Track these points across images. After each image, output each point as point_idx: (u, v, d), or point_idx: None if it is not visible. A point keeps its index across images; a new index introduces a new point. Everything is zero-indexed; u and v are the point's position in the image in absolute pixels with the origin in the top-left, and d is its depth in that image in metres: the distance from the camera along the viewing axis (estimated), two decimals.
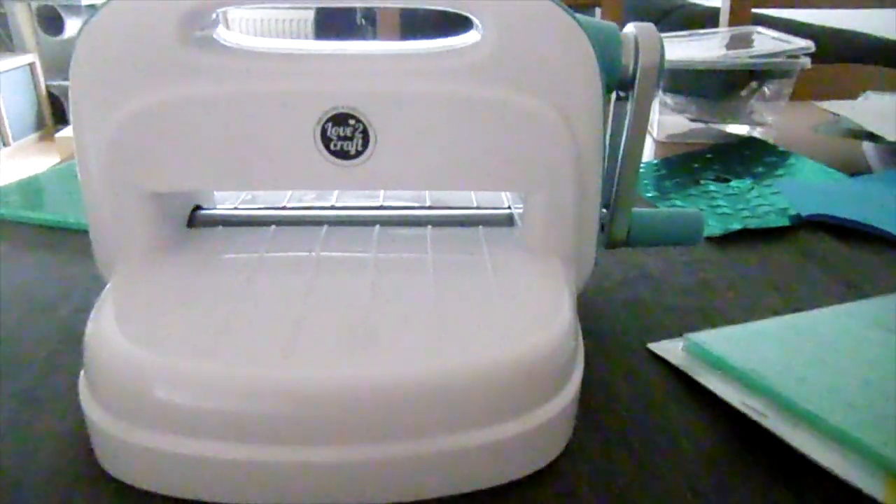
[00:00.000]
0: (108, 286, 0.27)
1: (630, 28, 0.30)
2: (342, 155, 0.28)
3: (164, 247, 0.30)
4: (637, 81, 0.30)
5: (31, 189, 0.52)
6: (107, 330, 0.24)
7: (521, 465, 0.25)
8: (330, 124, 0.27)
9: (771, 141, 0.67)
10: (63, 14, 2.84)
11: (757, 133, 0.69)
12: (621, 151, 0.32)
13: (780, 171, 0.57)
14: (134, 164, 0.28)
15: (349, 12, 2.41)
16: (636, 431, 0.28)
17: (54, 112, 3.09)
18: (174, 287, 0.27)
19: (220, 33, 0.30)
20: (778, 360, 0.29)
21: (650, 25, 0.30)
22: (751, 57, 0.65)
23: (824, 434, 0.25)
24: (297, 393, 0.22)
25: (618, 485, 0.25)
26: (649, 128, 0.72)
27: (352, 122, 0.27)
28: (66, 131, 1.83)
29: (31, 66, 3.01)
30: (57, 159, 2.18)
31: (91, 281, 0.31)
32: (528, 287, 0.28)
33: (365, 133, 0.28)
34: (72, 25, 2.88)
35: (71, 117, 0.28)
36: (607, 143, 0.33)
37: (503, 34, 0.27)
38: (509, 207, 0.34)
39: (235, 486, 0.23)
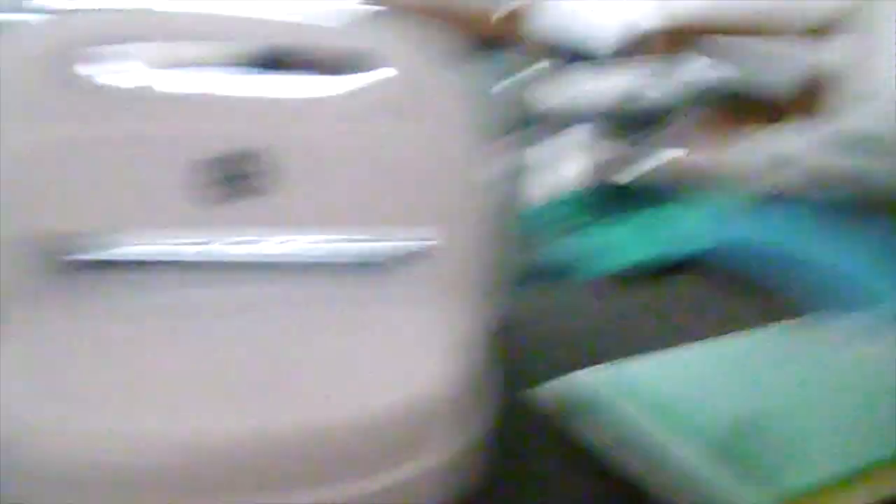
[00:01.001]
0: None
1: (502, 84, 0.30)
2: (234, 197, 0.27)
3: (40, 295, 0.28)
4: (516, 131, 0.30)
5: None
6: None
7: None
8: (212, 167, 0.26)
9: (677, 177, 0.67)
10: None
11: (687, 159, 0.70)
12: (517, 195, 0.32)
13: (695, 201, 0.58)
14: (3, 207, 0.26)
15: None
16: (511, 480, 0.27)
17: None
18: (55, 338, 0.26)
19: (105, 71, 0.28)
20: (664, 394, 0.29)
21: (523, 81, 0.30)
22: (675, 88, 0.66)
23: (711, 460, 0.25)
24: (182, 446, 0.21)
25: None
26: (583, 155, 0.72)
27: (248, 162, 0.26)
28: None
29: None
30: None
31: None
32: (417, 332, 0.27)
33: (261, 174, 0.27)
34: None
35: None
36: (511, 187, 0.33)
37: (404, 76, 0.27)
38: (415, 243, 0.33)
39: None
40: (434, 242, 0.30)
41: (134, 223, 0.27)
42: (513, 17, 0.86)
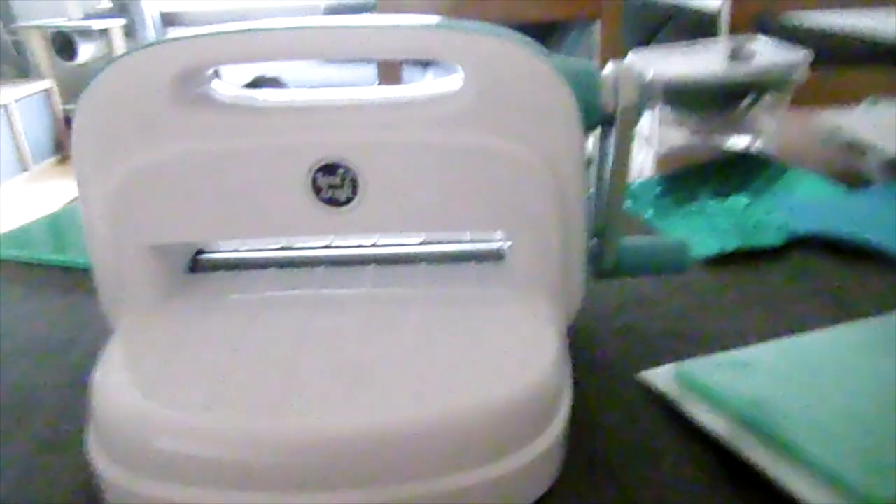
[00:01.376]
0: (113, 336, 0.29)
1: (609, 68, 0.31)
2: (333, 202, 0.29)
3: (166, 294, 0.31)
4: (618, 120, 0.31)
5: (46, 229, 0.53)
6: (111, 382, 0.26)
7: (510, 502, 0.26)
8: (320, 174, 0.29)
9: (771, 153, 0.67)
10: (76, 39, 2.90)
11: (758, 145, 0.69)
12: (607, 185, 0.33)
13: (778, 186, 0.57)
14: (134, 219, 0.29)
15: None
16: (624, 465, 0.28)
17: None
18: (176, 336, 0.29)
19: (216, 87, 0.31)
20: (765, 390, 0.30)
21: (630, 65, 0.31)
22: (747, 71, 0.65)
23: (806, 467, 0.26)
24: (289, 442, 0.23)
25: None
26: (650, 142, 0.72)
27: (340, 171, 0.29)
28: None
29: (48, 91, 3.08)
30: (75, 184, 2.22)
31: (101, 324, 0.32)
32: (515, 325, 0.29)
33: (354, 181, 0.29)
34: (85, 50, 2.94)
35: (74, 175, 0.29)
36: (597, 175, 0.34)
37: (483, 82, 0.28)
38: (500, 240, 0.35)
39: None
40: (516, 241, 0.31)
41: (251, 229, 0.30)
42: None
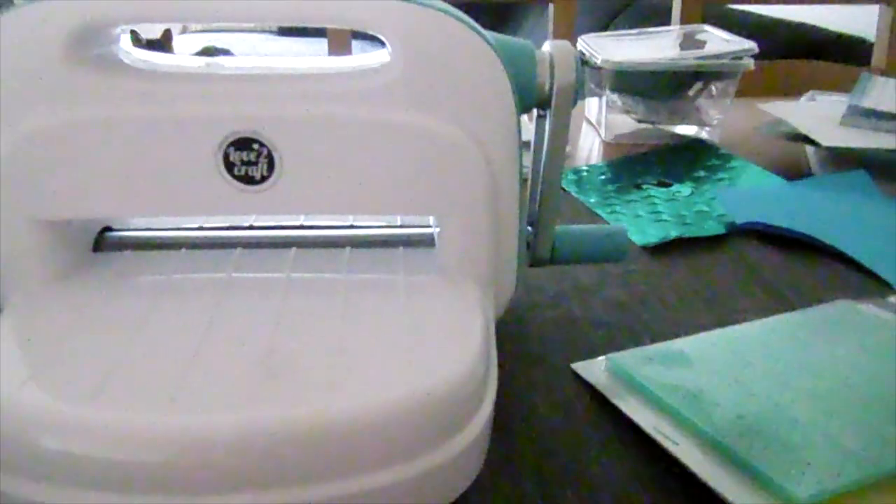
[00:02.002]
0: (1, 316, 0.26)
1: (546, 47, 0.30)
2: (246, 180, 0.27)
3: (63, 273, 0.28)
4: (553, 101, 0.29)
5: None
6: None
7: (429, 500, 0.24)
8: (232, 149, 0.26)
9: (716, 142, 0.67)
10: None
11: (704, 134, 0.69)
12: (542, 170, 0.32)
13: (721, 175, 0.57)
14: (25, 190, 0.26)
15: None
16: (550, 460, 0.27)
17: None
18: (70, 319, 0.26)
19: (124, 49, 0.28)
20: (693, 382, 0.29)
21: (566, 44, 0.30)
22: (696, 59, 0.65)
23: (732, 464, 0.25)
24: (184, 438, 0.21)
25: None
26: (598, 128, 0.72)
27: (255, 146, 0.26)
28: None
29: None
30: None
31: None
32: (440, 315, 0.27)
33: (270, 158, 0.27)
34: None
35: None
36: (533, 159, 0.33)
37: (412, 56, 0.26)
38: (431, 226, 0.33)
39: None
40: (445, 227, 0.30)
41: (156, 206, 0.27)
42: None
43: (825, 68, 0.94)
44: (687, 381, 0.30)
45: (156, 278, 0.29)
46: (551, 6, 0.92)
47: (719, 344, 0.33)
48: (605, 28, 1.87)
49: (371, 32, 0.27)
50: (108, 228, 0.32)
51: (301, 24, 0.26)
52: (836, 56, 1.04)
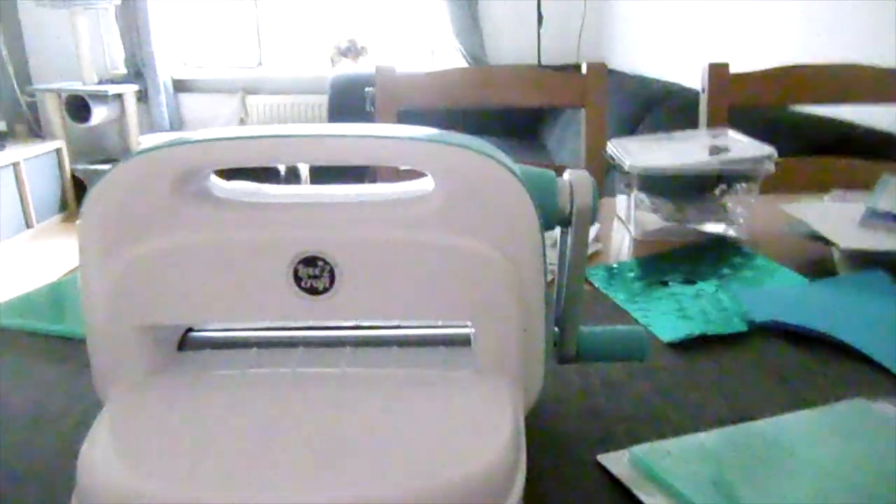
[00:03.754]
0: (103, 411, 0.31)
1: (566, 175, 0.35)
2: (312, 291, 0.32)
3: (156, 370, 0.33)
4: (573, 220, 0.34)
5: (46, 298, 0.56)
6: (96, 455, 0.28)
7: None
8: (301, 265, 0.32)
9: (743, 239, 0.70)
10: (90, 103, 3.00)
11: (731, 232, 0.73)
12: (565, 278, 0.36)
13: (745, 273, 0.61)
14: (130, 302, 0.32)
15: (364, 99, 2.54)
16: None
17: (79, 195, 3.22)
18: (162, 411, 0.31)
19: (214, 183, 0.34)
20: (710, 476, 0.32)
21: (584, 173, 0.34)
22: (718, 164, 0.69)
23: None
24: None
25: None
26: (627, 225, 0.76)
27: (320, 263, 0.32)
28: None
29: (58, 151, 3.16)
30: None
31: (94, 396, 0.34)
32: (474, 408, 0.31)
33: (332, 272, 0.32)
34: (98, 113, 3.05)
35: (79, 262, 0.32)
36: (560, 266, 0.37)
37: (451, 187, 0.32)
38: (468, 326, 0.37)
39: None
40: (479, 330, 0.34)
41: (236, 313, 0.32)
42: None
43: (849, 164, 0.97)
44: (704, 473, 0.32)
45: (232, 373, 0.34)
46: (583, 111, 0.99)
47: (737, 439, 0.36)
48: (637, 124, 1.94)
49: (418, 170, 0.32)
50: (190, 330, 0.37)
51: (362, 164, 0.32)
52: (867, 151, 1.08)
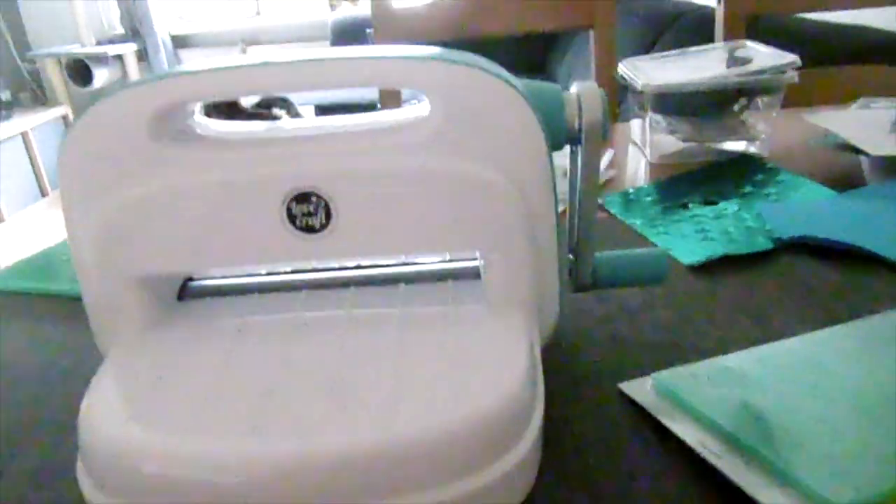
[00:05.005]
0: (101, 366, 0.30)
1: (573, 88, 0.32)
2: (307, 230, 0.30)
3: (155, 322, 0.32)
4: (583, 136, 0.32)
5: (48, 260, 0.55)
6: (97, 410, 0.27)
7: None
8: (294, 203, 0.30)
9: (765, 156, 0.67)
10: (91, 66, 2.96)
11: (752, 149, 0.69)
12: (577, 201, 0.34)
13: (768, 190, 0.58)
14: (119, 251, 0.30)
15: (362, 42, 2.47)
16: (602, 478, 0.29)
17: None
18: (163, 362, 0.30)
19: (197, 121, 0.32)
20: (737, 399, 0.30)
21: (592, 84, 0.32)
22: (737, 76, 0.65)
23: (774, 476, 0.26)
24: (270, 464, 0.24)
25: None
26: (643, 149, 0.73)
27: (313, 199, 0.30)
28: None
29: (64, 117, 3.14)
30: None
31: (100, 353, 0.33)
32: (488, 342, 0.30)
33: (327, 208, 0.30)
34: (100, 76, 3.01)
35: (63, 213, 0.31)
36: (570, 190, 0.35)
37: (449, 108, 0.29)
38: (477, 259, 0.36)
39: None
40: (488, 260, 0.32)
41: (231, 258, 0.31)
42: None
43: (878, 72, 0.92)
44: (732, 396, 0.31)
45: (234, 321, 0.32)
46: (592, 32, 0.94)
47: (766, 359, 0.34)
48: (651, 47, 1.86)
49: (412, 90, 0.30)
50: (189, 279, 0.35)
51: (355, 86, 0.29)
52: (891, 58, 1.02)
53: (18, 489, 0.30)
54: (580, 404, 0.33)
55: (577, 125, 0.31)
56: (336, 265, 0.35)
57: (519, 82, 0.30)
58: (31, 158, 2.93)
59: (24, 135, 2.88)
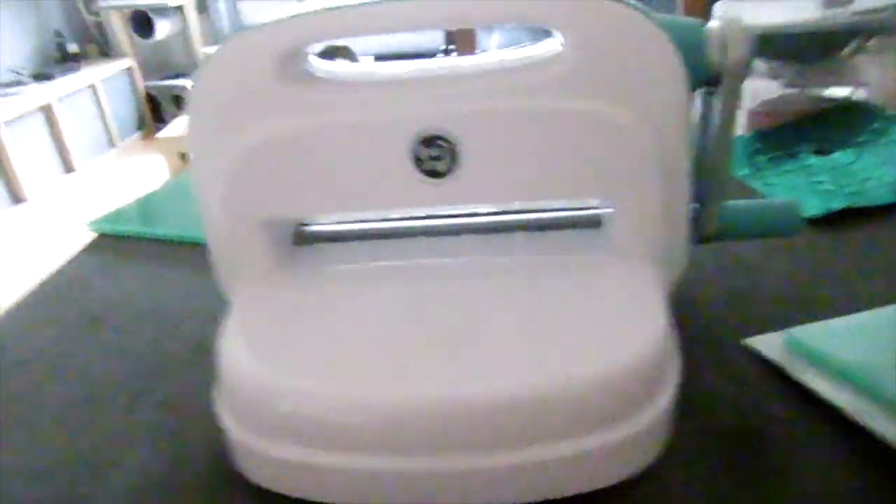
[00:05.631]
0: (231, 305, 0.30)
1: (715, 23, 0.30)
2: (433, 174, 0.29)
3: (276, 265, 0.32)
4: (725, 77, 0.29)
5: (150, 206, 0.56)
6: (235, 350, 0.27)
7: (619, 469, 0.26)
8: (421, 146, 0.29)
9: (876, 102, 0.62)
10: (153, 17, 2.99)
11: (861, 94, 0.65)
12: (711, 146, 0.32)
13: (886, 139, 0.54)
14: (247, 194, 0.30)
15: None
16: (735, 432, 0.28)
17: (153, 111, 3.29)
18: (289, 306, 0.30)
19: (313, 63, 0.32)
20: (884, 356, 0.29)
21: (737, 19, 0.29)
22: (852, 15, 0.61)
23: None
24: (404, 408, 0.24)
25: (713, 489, 0.25)
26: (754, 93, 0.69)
27: (441, 142, 0.29)
28: (165, 132, 1.94)
29: (130, 69, 3.20)
30: (159, 158, 2.32)
31: (210, 295, 0.34)
32: (621, 292, 0.29)
33: (454, 151, 0.29)
34: (162, 27, 3.04)
35: (189, 153, 0.31)
36: (698, 136, 0.33)
37: (584, 45, 0.28)
38: (596, 207, 0.34)
39: (354, 489, 0.25)
40: (618, 207, 0.31)
41: (355, 202, 0.30)
42: None
43: None
44: (871, 353, 0.29)
45: (351, 267, 0.32)
46: None
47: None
48: None
49: (545, 27, 0.28)
50: (302, 224, 0.35)
51: (481, 24, 0.28)
52: None
53: (156, 419, 0.31)
54: (705, 360, 0.32)
55: (718, 65, 0.29)
56: (451, 212, 0.35)
57: (658, 16, 0.28)
58: (100, 109, 3.01)
59: (92, 87, 2.95)
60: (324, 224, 0.35)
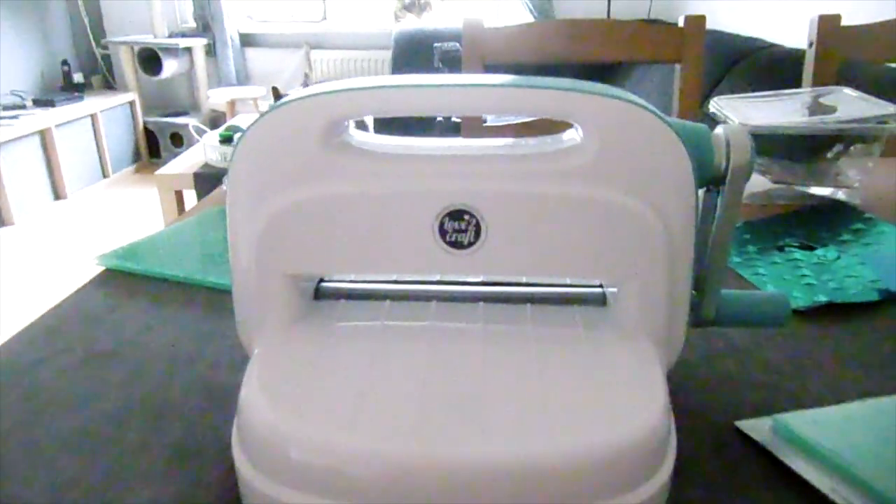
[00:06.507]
0: (254, 356, 0.31)
1: (720, 129, 0.33)
2: (456, 245, 0.31)
3: (297, 319, 0.34)
4: (729, 178, 0.32)
5: (155, 246, 0.58)
6: (257, 399, 0.28)
7: None
8: (447, 218, 0.31)
9: (857, 203, 0.66)
10: (161, 55, 3.06)
11: (841, 195, 0.69)
12: (712, 239, 0.34)
13: (867, 240, 0.57)
14: (279, 250, 0.32)
15: (428, 55, 2.50)
16: None
17: (149, 146, 3.32)
18: (310, 358, 0.31)
19: (353, 135, 0.34)
20: (869, 448, 0.31)
21: (740, 127, 0.32)
22: (838, 122, 0.65)
23: None
24: (418, 469, 0.26)
25: None
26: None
27: (466, 216, 0.31)
28: (165, 169, 1.96)
29: (132, 103, 3.25)
30: (152, 192, 2.34)
31: (221, 338, 0.35)
32: (625, 368, 0.30)
33: (477, 226, 0.31)
34: (169, 66, 3.11)
35: (227, 211, 0.32)
36: (700, 228, 0.35)
37: (604, 139, 0.30)
38: (601, 286, 0.36)
39: None
40: (625, 289, 0.33)
41: (379, 265, 0.32)
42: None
43: None
44: (857, 444, 0.31)
45: (368, 324, 0.34)
46: (677, 67, 0.95)
47: (889, 411, 0.34)
48: (718, 82, 1.86)
49: (570, 122, 0.31)
50: (322, 280, 0.37)
51: (515, 114, 0.30)
52: None
53: (167, 460, 0.32)
54: (697, 440, 0.34)
55: (724, 166, 0.32)
56: (465, 279, 0.37)
57: (671, 120, 0.31)
58: (97, 140, 3.03)
59: (92, 116, 2.99)
60: (342, 282, 0.37)
